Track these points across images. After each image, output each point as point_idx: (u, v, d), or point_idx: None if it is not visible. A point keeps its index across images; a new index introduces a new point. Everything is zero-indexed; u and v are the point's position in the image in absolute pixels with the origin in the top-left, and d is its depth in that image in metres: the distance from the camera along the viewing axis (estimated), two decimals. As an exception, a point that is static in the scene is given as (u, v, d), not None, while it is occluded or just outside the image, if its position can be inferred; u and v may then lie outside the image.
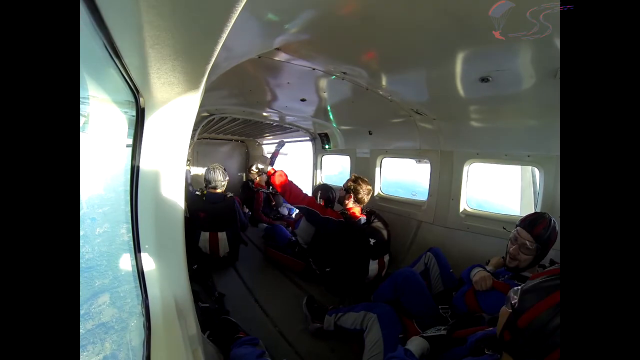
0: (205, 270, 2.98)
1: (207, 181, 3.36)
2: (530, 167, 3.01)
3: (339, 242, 2.82)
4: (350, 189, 2.96)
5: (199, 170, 5.46)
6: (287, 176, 2.90)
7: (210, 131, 5.28)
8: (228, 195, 3.41)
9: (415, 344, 1.43)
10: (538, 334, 0.80)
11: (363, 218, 2.88)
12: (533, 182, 3.10)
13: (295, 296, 2.66)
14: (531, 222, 1.80)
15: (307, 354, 1.99)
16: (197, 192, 3.39)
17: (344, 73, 2.06)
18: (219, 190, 3.38)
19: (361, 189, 2.93)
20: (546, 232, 1.74)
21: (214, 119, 3.94)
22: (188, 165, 3.90)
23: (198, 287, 2.69)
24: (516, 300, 0.87)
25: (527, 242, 1.77)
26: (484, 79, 1.77)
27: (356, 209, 2.94)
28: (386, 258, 2.85)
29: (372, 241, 2.71)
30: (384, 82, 2.22)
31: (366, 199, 2.97)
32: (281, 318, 2.38)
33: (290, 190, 2.84)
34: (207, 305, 2.36)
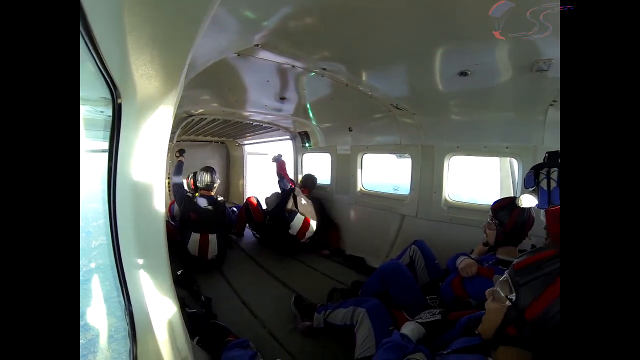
0: (191, 275, 2.93)
1: (200, 183, 3.42)
2: (509, 158, 3.13)
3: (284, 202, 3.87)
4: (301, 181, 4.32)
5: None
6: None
7: (189, 133, 5.19)
8: (219, 198, 3.46)
9: (411, 329, 1.42)
10: (551, 320, 0.79)
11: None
12: (511, 173, 3.20)
13: (283, 296, 2.62)
14: (495, 201, 2.07)
15: (299, 352, 1.97)
16: (188, 194, 3.42)
17: (324, 69, 2.05)
18: (211, 193, 3.43)
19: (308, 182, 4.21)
20: (501, 210, 1.96)
21: (193, 119, 3.88)
22: (183, 157, 3.87)
23: (183, 292, 2.62)
24: (513, 295, 0.85)
25: (489, 217, 2.02)
26: (463, 73, 1.81)
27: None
28: (312, 221, 3.84)
29: (302, 201, 3.84)
30: (363, 77, 2.23)
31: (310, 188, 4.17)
32: (270, 318, 2.34)
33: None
34: (194, 310, 2.31)
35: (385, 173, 4.49)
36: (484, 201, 2.91)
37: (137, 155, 1.03)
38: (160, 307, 1.19)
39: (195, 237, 3.18)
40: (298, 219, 3.80)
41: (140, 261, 1.15)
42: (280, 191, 4.15)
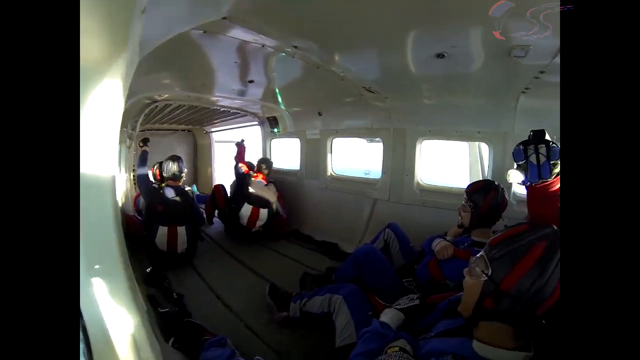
0: (161, 272, 2.77)
1: (166, 172, 3.25)
2: (478, 143, 3.22)
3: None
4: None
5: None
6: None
7: (153, 121, 4.89)
8: (186, 189, 3.32)
9: (390, 316, 1.40)
10: (527, 291, 0.82)
11: (260, 180, 3.90)
12: (480, 158, 3.30)
13: (257, 286, 2.55)
14: (469, 184, 2.12)
15: (278, 344, 1.92)
16: (154, 185, 3.27)
17: (295, 47, 1.91)
18: (178, 183, 3.27)
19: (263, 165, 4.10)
20: (476, 192, 2.00)
21: (157, 106, 3.62)
22: (147, 146, 3.63)
23: (154, 290, 2.47)
24: (489, 270, 0.87)
25: (464, 200, 2.05)
26: (440, 55, 1.77)
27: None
28: (262, 210, 3.71)
29: (250, 189, 3.70)
30: (336, 58, 2.13)
31: (267, 171, 4.06)
32: (246, 311, 2.27)
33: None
34: (167, 309, 2.17)
35: (355, 158, 4.49)
36: (454, 185, 2.98)
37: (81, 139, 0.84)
38: (120, 317, 1.04)
39: (163, 230, 3.00)
40: (246, 209, 3.73)
41: (93, 266, 0.98)
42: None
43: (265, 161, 4.18)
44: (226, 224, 4.12)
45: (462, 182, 3.81)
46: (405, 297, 1.58)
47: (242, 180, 3.89)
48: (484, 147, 3.48)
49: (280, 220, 3.96)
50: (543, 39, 1.46)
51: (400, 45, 1.77)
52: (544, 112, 2.14)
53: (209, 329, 1.91)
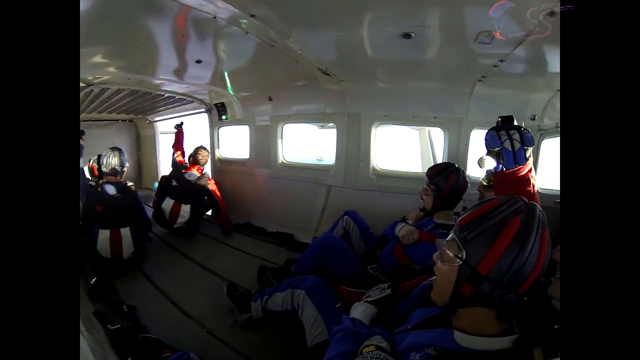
0: (106, 282, 2.41)
1: (105, 167, 2.87)
2: (428, 130, 3.33)
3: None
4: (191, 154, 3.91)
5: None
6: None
7: (89, 110, 4.26)
8: (128, 184, 2.92)
9: (361, 311, 1.33)
10: (507, 272, 0.76)
11: (193, 172, 3.70)
12: (431, 144, 3.42)
13: (215, 286, 2.35)
14: (430, 168, 2.14)
15: (246, 348, 1.79)
16: (91, 182, 2.86)
17: (253, 16, 1.69)
18: (120, 178, 2.91)
19: (199, 154, 3.82)
20: (438, 175, 2.02)
21: (92, 91, 3.14)
22: (83, 139, 3.06)
23: (101, 305, 2.14)
24: (463, 253, 0.81)
25: (425, 183, 2.06)
26: (407, 35, 1.70)
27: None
28: (184, 206, 3.53)
29: (173, 183, 3.59)
30: (294, 32, 1.96)
31: (202, 161, 3.84)
32: (207, 316, 2.08)
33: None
34: (119, 326, 1.89)
35: (306, 146, 4.39)
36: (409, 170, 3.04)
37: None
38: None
39: (104, 234, 2.67)
40: (167, 203, 3.56)
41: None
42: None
43: (198, 151, 3.88)
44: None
45: (413, 168, 3.95)
46: (375, 288, 1.54)
47: (173, 170, 3.62)
48: (434, 134, 3.64)
49: (220, 216, 3.73)
50: (510, 27, 1.49)
51: (365, 22, 1.67)
52: (497, 100, 2.25)
53: (168, 344, 1.72)
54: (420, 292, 1.27)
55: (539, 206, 0.83)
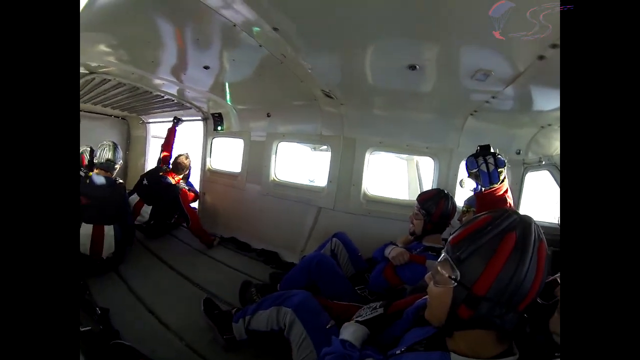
0: (80, 280, 2.27)
1: (98, 158, 2.79)
2: (416, 161, 3.44)
3: None
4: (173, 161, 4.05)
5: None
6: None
7: (85, 99, 4.09)
8: (118, 181, 2.81)
9: (351, 332, 1.28)
10: (505, 290, 0.73)
11: (169, 179, 3.79)
12: (418, 175, 3.52)
13: (195, 297, 2.22)
14: (421, 193, 2.25)
15: None
16: (81, 173, 2.73)
17: (275, 29, 1.70)
18: (110, 174, 2.81)
19: (180, 163, 3.98)
20: (429, 201, 2.10)
21: (94, 79, 3.04)
22: None
23: None
24: (457, 274, 0.78)
25: (416, 208, 2.13)
26: (412, 67, 1.80)
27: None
28: (146, 206, 3.57)
29: (144, 181, 3.63)
30: (308, 48, 1.97)
31: (183, 170, 4.02)
32: (187, 327, 1.95)
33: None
34: (89, 328, 1.75)
35: (298, 166, 4.39)
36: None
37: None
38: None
39: (86, 229, 2.53)
40: (133, 199, 3.50)
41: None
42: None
43: (179, 159, 3.87)
44: None
45: (400, 195, 4.03)
46: (367, 307, 1.48)
47: (150, 169, 3.57)
48: (422, 165, 3.74)
49: (191, 228, 3.57)
50: (504, 67, 1.61)
51: (378, 49, 1.76)
52: (485, 133, 2.38)
53: (143, 352, 1.60)
54: (414, 311, 1.23)
55: (533, 218, 0.80)
